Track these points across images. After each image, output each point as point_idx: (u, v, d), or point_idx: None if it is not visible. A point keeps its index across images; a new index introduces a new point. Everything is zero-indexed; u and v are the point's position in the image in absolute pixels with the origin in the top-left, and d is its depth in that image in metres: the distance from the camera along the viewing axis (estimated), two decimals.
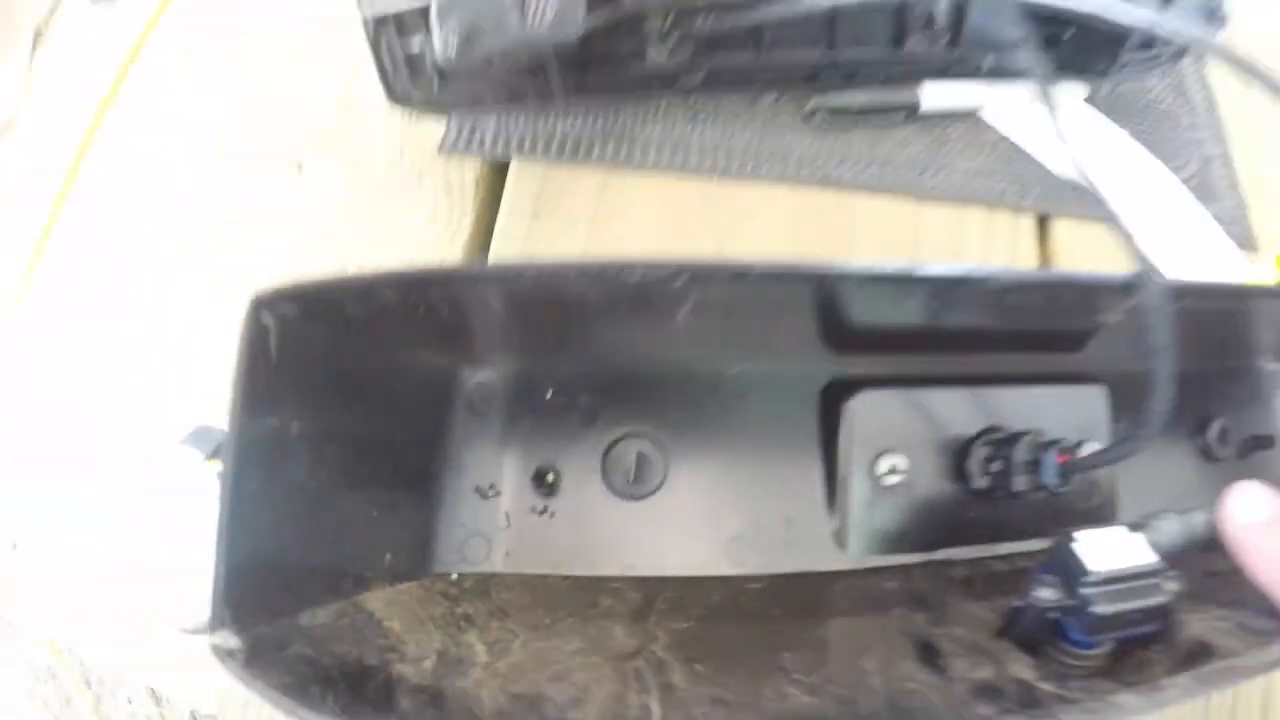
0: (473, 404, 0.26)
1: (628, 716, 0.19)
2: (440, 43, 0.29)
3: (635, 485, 0.26)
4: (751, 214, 0.40)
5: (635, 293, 0.20)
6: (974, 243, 0.41)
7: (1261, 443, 0.35)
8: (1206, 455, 0.34)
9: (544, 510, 0.26)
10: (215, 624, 0.19)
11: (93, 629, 0.37)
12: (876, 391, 0.27)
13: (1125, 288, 0.22)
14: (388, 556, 0.24)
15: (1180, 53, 0.43)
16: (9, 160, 0.48)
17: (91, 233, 0.44)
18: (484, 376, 0.26)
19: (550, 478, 0.26)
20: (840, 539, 0.27)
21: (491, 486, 0.26)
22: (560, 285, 0.19)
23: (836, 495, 0.27)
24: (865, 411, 0.27)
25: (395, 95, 0.35)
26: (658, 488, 0.27)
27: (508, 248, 0.38)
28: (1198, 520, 0.24)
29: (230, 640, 0.19)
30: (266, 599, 0.20)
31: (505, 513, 0.26)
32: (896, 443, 0.27)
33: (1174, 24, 0.21)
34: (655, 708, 0.19)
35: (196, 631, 0.29)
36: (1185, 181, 0.43)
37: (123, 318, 0.40)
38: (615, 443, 0.27)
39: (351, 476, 0.23)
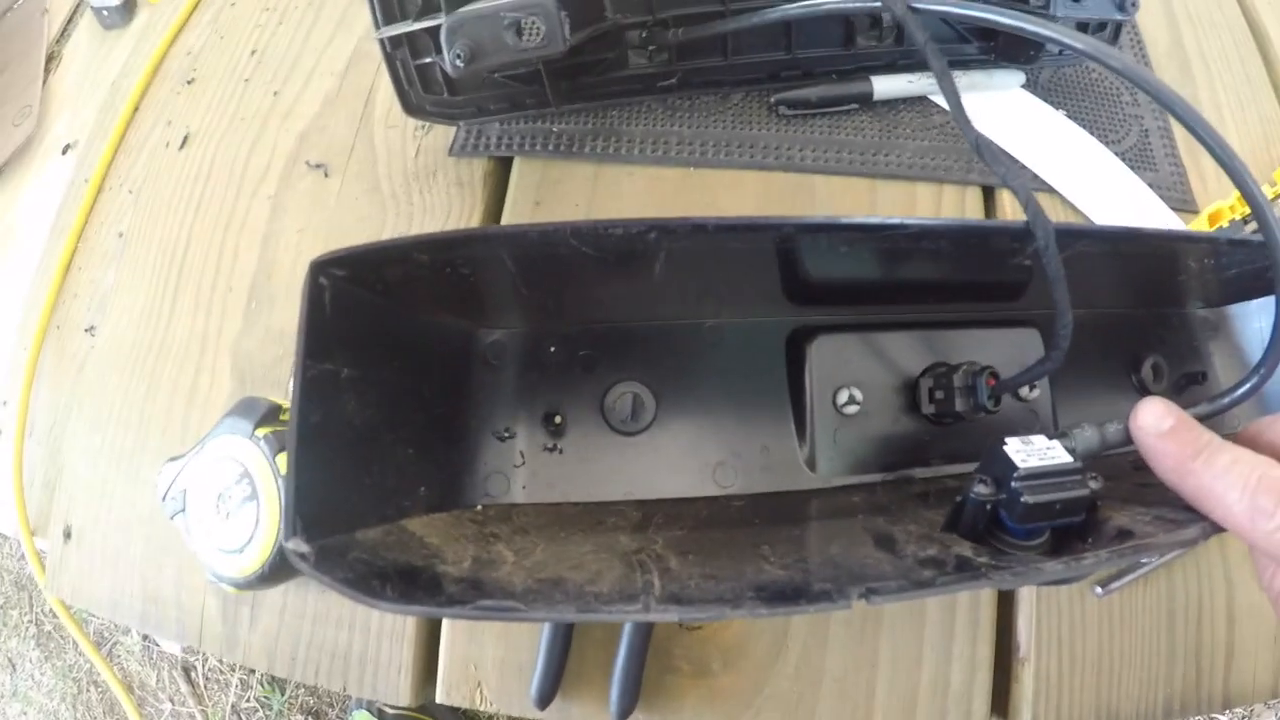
0: (488, 361, 0.30)
1: (636, 588, 0.23)
2: (449, 58, 0.33)
3: (631, 423, 0.31)
4: (724, 197, 0.45)
5: (618, 245, 0.24)
6: (925, 214, 0.45)
7: (1194, 378, 0.39)
8: (1141, 390, 0.38)
9: (554, 448, 0.31)
10: (289, 532, 0.23)
11: (140, 612, 0.40)
12: (834, 335, 0.32)
13: (1023, 231, 0.27)
14: (422, 489, 0.28)
15: (1114, 37, 0.47)
16: (35, 178, 0.52)
17: (123, 245, 0.48)
18: (497, 336, 0.30)
19: (558, 420, 0.31)
20: (811, 463, 0.31)
21: (507, 430, 0.30)
22: (558, 241, 0.23)
23: (806, 426, 0.32)
24: (824, 351, 0.31)
25: (410, 107, 0.40)
26: (650, 424, 0.31)
27: None
28: (1112, 429, 0.28)
29: (301, 546, 0.23)
30: (327, 514, 0.24)
31: (520, 452, 0.30)
32: (852, 378, 0.32)
33: (1057, 33, 0.25)
34: (656, 581, 0.23)
35: (226, 582, 0.33)
36: (1124, 153, 0.47)
37: (171, 315, 0.44)
38: (611, 388, 0.31)
39: (390, 419, 0.27)
